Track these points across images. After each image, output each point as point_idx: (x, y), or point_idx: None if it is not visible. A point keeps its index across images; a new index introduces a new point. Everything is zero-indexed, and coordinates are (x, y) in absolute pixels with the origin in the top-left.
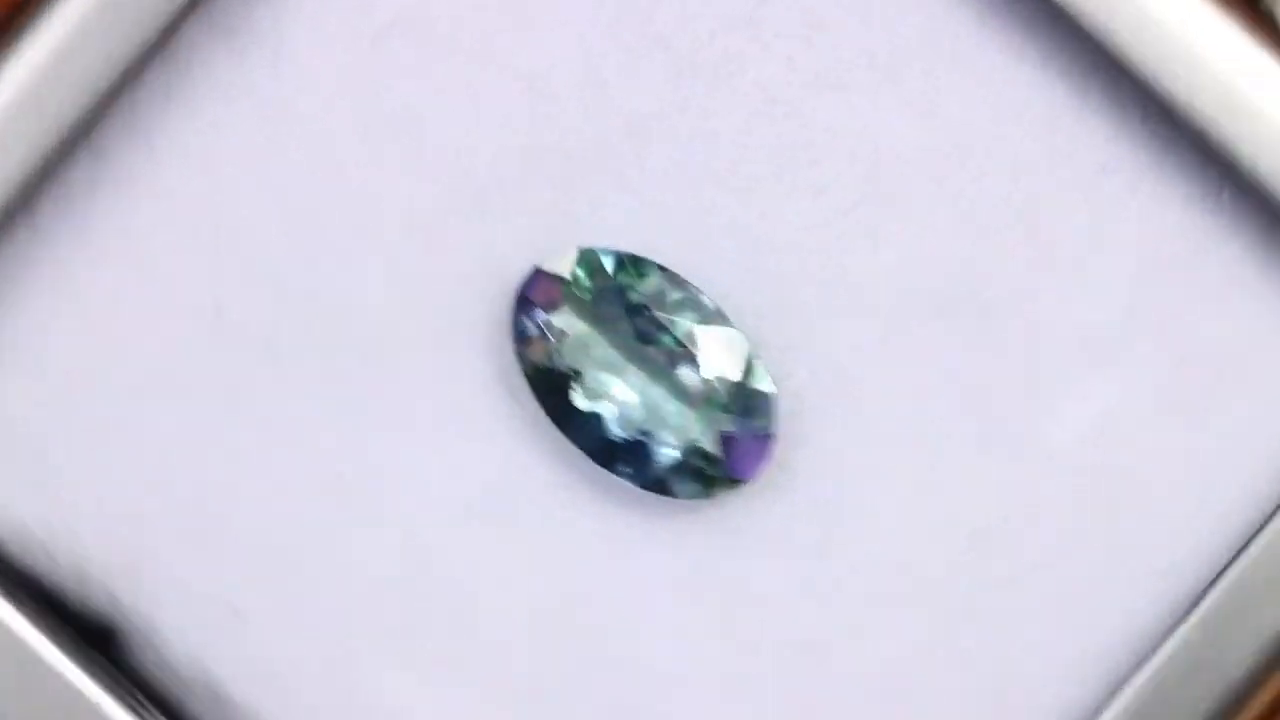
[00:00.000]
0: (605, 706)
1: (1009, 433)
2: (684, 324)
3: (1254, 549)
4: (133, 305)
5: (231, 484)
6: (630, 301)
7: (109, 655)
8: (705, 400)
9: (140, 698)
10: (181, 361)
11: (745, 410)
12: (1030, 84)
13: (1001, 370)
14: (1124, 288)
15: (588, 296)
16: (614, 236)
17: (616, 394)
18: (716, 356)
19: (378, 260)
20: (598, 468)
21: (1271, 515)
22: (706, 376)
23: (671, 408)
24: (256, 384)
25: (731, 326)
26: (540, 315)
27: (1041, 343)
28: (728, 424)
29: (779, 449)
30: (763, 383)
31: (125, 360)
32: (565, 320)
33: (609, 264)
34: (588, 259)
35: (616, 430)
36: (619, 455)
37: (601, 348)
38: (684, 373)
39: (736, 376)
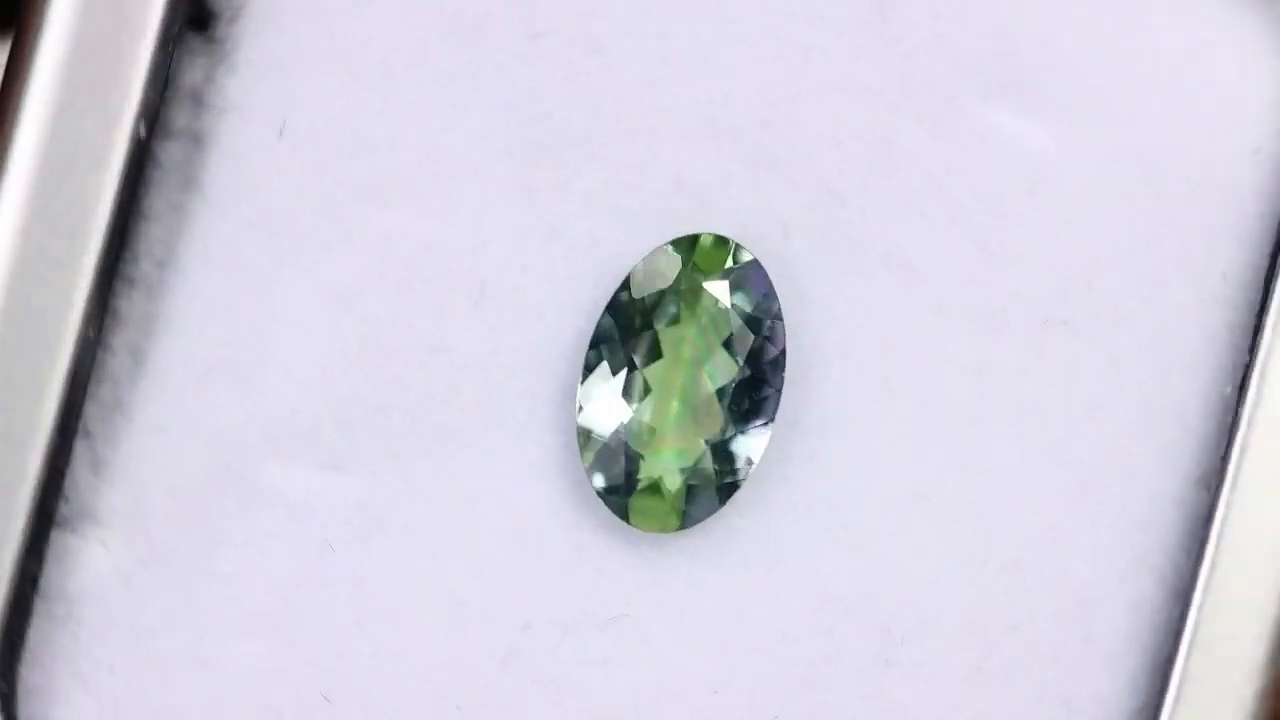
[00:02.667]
0: None
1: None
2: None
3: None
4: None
5: None
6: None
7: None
8: (681, 452)
9: None
10: None
11: (695, 498)
12: None
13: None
14: None
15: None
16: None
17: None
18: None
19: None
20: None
21: None
22: (711, 441)
23: (657, 424)
24: None
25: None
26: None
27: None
28: (669, 500)
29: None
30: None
31: None
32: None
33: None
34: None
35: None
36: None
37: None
38: (702, 403)
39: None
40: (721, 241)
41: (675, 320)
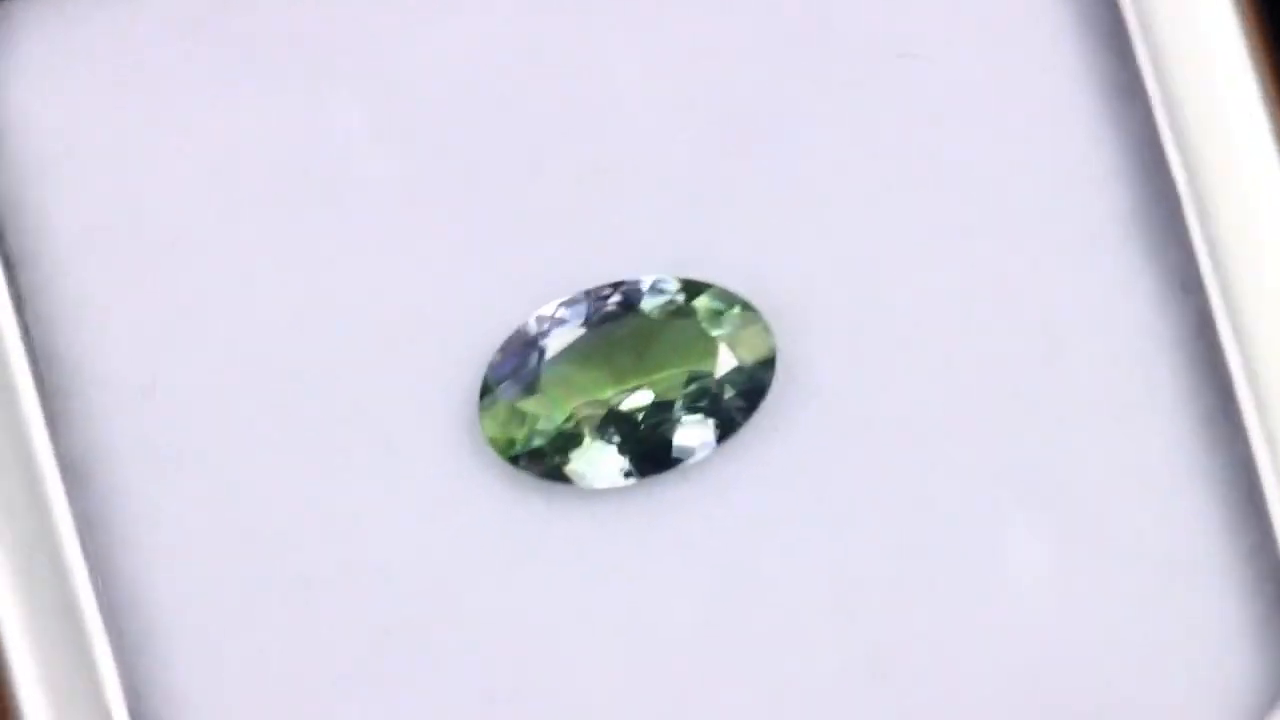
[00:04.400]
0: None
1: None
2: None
3: None
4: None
5: None
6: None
7: None
8: (562, 421)
9: None
10: None
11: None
12: None
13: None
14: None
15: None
16: None
17: None
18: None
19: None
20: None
21: None
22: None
23: (576, 388)
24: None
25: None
26: None
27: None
28: (519, 435)
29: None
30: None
31: None
32: None
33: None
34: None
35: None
36: None
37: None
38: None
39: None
40: (747, 308)
41: (667, 342)
